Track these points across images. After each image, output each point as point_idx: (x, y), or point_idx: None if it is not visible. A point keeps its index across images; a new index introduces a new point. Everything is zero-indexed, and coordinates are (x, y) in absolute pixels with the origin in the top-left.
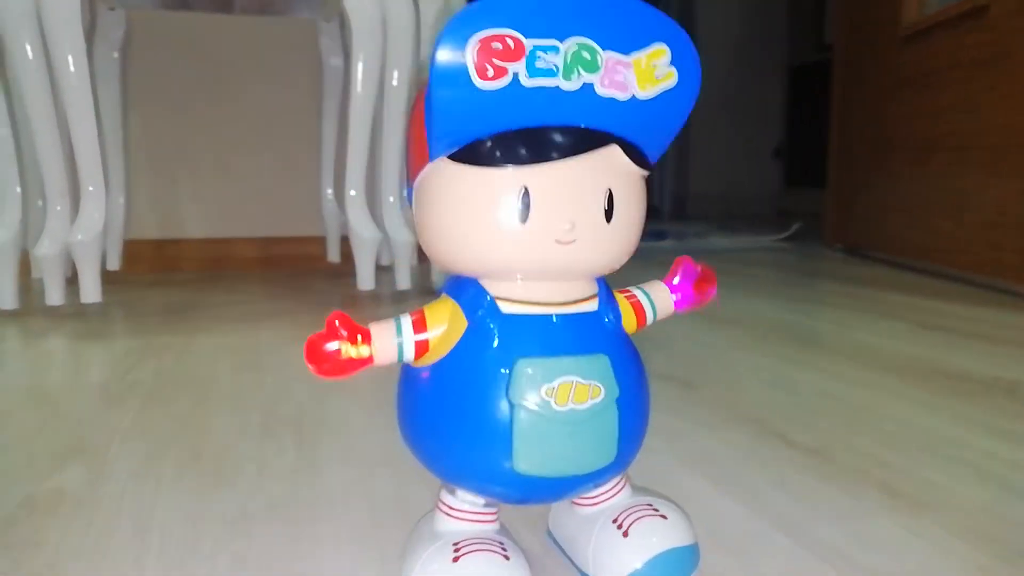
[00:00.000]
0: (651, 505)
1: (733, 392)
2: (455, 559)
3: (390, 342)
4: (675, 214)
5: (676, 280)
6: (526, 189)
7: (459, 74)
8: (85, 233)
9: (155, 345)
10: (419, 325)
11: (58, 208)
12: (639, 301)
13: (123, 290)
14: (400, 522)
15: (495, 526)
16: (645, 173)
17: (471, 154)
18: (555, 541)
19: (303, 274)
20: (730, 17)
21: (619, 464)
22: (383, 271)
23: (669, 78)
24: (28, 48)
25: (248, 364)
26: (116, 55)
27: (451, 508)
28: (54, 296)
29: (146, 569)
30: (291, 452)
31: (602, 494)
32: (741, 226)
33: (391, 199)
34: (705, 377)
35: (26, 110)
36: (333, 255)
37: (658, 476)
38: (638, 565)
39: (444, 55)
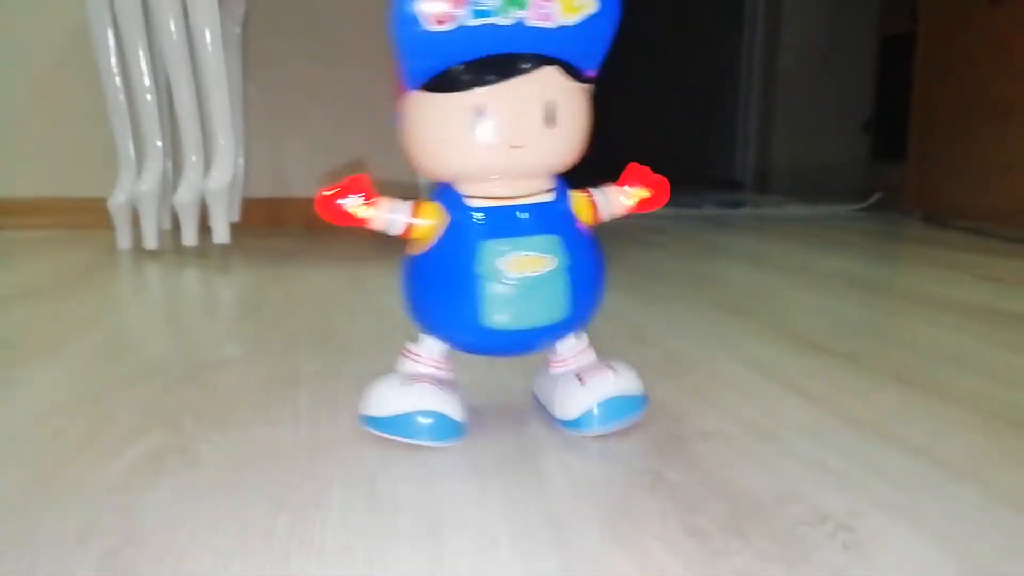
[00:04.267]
0: (607, 364)
1: (781, 318)
2: (403, 384)
3: (387, 213)
4: (757, 187)
5: (627, 183)
6: (480, 106)
7: (414, 22)
8: (217, 181)
9: (279, 276)
10: (415, 211)
11: (193, 159)
12: (593, 197)
13: (244, 238)
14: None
15: (447, 374)
16: (585, 86)
17: (434, 84)
18: (536, 399)
19: None
20: None
21: (573, 320)
22: None
23: (589, 6)
24: (172, 23)
25: (358, 289)
26: (237, 30)
27: (410, 352)
28: (189, 238)
29: (299, 405)
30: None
31: (570, 357)
32: (822, 198)
33: None
34: (758, 307)
35: (169, 76)
36: None
37: (704, 366)
38: (590, 404)
39: (401, 7)
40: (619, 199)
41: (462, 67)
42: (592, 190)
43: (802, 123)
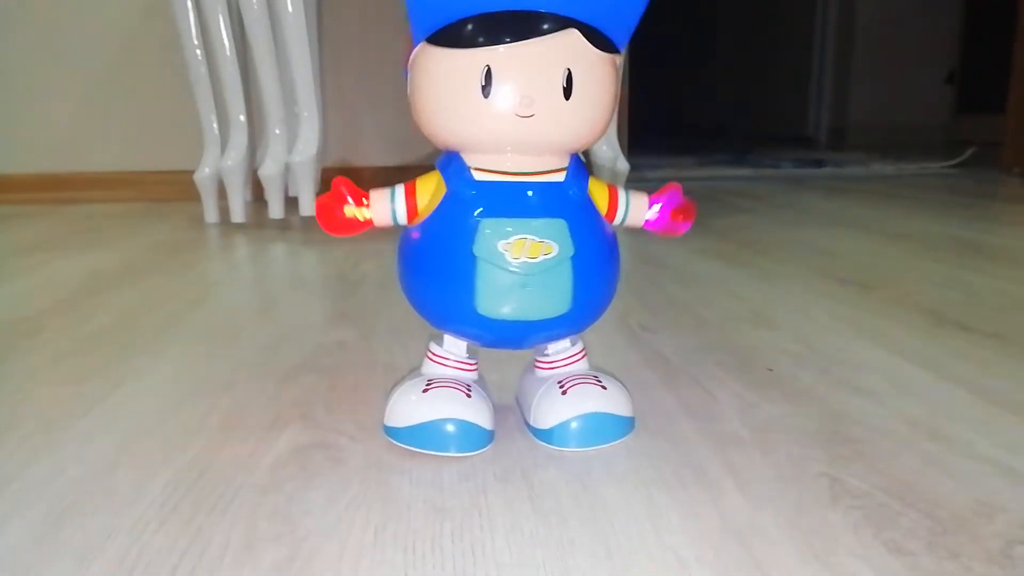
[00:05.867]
0: (596, 377)
1: (907, 292)
2: (425, 390)
3: (385, 206)
4: (831, 145)
5: (659, 202)
6: (488, 67)
7: None
8: (302, 154)
9: (369, 249)
10: (410, 193)
11: (277, 132)
12: (617, 194)
13: None
14: None
15: (472, 375)
16: (612, 56)
17: (442, 37)
18: (516, 401)
19: None
20: None
21: (575, 316)
22: None
23: None
24: None
25: None
26: None
27: (434, 355)
28: (276, 210)
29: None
30: None
31: (559, 360)
32: (907, 154)
33: None
34: (878, 280)
35: (251, 49)
36: None
37: (843, 351)
38: (568, 417)
39: None
40: (642, 209)
41: (472, 21)
42: (619, 188)
43: (880, 75)
